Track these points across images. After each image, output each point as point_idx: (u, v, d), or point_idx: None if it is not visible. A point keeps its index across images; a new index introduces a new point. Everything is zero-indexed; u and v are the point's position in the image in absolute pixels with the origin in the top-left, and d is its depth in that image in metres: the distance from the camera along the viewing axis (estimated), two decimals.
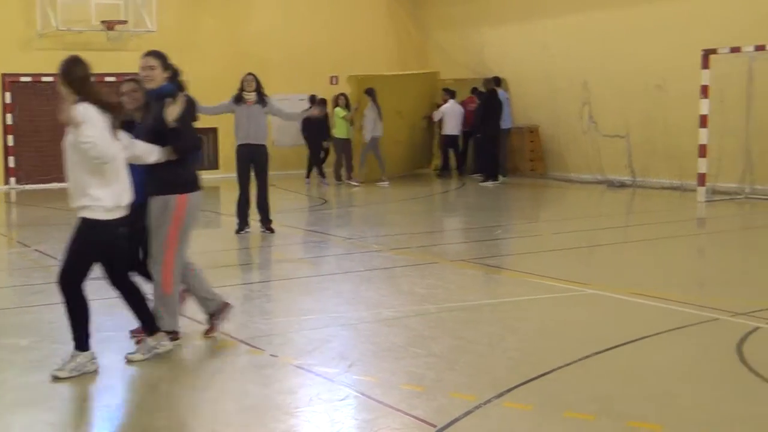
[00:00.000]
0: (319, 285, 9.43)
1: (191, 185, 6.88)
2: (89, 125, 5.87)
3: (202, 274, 7.22)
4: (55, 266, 6.24)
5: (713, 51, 15.67)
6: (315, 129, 20.39)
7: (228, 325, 7.41)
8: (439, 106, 21.56)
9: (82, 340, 6.15)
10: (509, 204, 17.44)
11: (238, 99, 12.45)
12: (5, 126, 19.74)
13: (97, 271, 6.25)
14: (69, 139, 5.98)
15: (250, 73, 12.62)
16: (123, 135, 6.32)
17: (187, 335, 7.07)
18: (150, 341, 6.54)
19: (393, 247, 11.46)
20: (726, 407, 5.46)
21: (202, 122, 13.59)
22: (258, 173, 12.54)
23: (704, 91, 15.75)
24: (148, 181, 6.73)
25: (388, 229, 13.52)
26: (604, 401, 5.51)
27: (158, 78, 6.84)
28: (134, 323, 6.76)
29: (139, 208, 6.57)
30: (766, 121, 16.08)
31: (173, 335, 6.85)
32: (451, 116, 21.16)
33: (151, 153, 6.59)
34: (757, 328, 7.20)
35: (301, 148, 21.17)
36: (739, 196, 16.18)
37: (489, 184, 19.46)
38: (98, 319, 6.56)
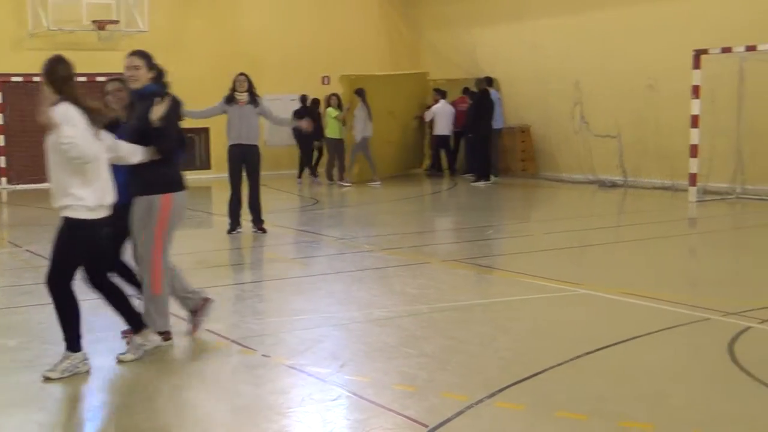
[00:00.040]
0: (311, 285, 9.42)
1: (176, 185, 6.86)
2: (69, 125, 5.86)
3: (181, 273, 7.21)
4: (45, 267, 6.21)
5: (704, 51, 15.70)
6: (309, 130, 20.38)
7: (220, 326, 7.41)
8: (429, 106, 21.57)
9: (73, 341, 6.13)
10: (501, 204, 17.45)
11: (230, 99, 12.43)
12: None
13: (78, 272, 6.23)
14: (51, 139, 5.97)
15: (242, 73, 12.60)
16: (107, 136, 6.31)
17: (178, 335, 7.05)
18: (138, 339, 6.54)
19: (385, 247, 11.46)
20: (717, 407, 5.47)
21: (194, 122, 13.63)
22: (250, 173, 12.53)
23: (695, 91, 15.78)
24: (132, 182, 6.72)
25: (379, 229, 13.52)
26: (596, 401, 5.51)
27: (143, 78, 6.80)
28: (124, 324, 6.75)
29: (121, 208, 6.55)
30: (757, 121, 16.13)
31: (165, 335, 6.84)
32: (442, 116, 21.17)
33: (134, 153, 6.56)
34: (749, 327, 7.21)
35: (293, 149, 21.19)
36: (730, 196, 16.21)
37: (481, 184, 19.48)
38: (88, 320, 6.54)
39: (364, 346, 6.95)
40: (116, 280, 6.75)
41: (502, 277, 9.94)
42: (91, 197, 6.02)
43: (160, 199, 6.72)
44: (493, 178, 19.88)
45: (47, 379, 6.03)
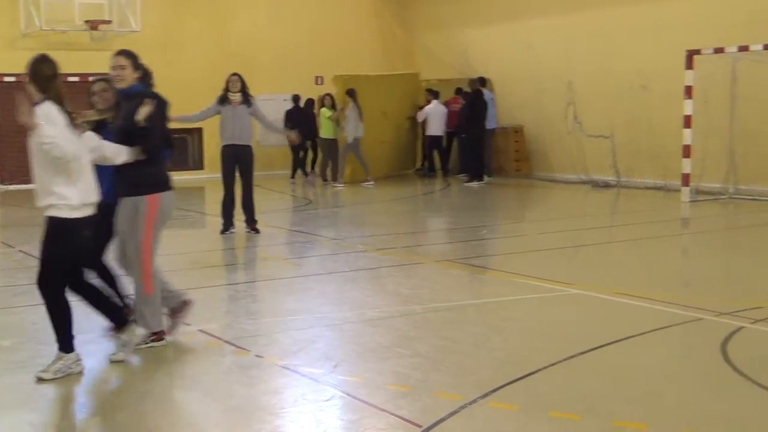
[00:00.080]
0: (304, 285, 9.41)
1: (162, 185, 6.84)
2: (50, 125, 5.84)
3: (161, 272, 7.19)
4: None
5: (697, 51, 15.73)
6: (300, 129, 20.37)
7: (213, 326, 7.41)
8: (422, 107, 21.57)
9: (66, 342, 6.12)
10: (494, 204, 17.47)
11: (223, 99, 12.41)
12: None
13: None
14: (34, 139, 5.96)
15: (235, 74, 12.58)
16: (92, 136, 6.29)
17: (172, 336, 7.04)
18: (124, 337, 6.55)
19: (378, 248, 11.46)
20: (710, 406, 5.48)
21: (187, 123, 13.61)
22: (243, 173, 12.52)
23: (688, 91, 15.81)
24: (117, 183, 6.70)
25: (373, 230, 13.52)
26: (589, 401, 5.52)
27: (128, 78, 6.77)
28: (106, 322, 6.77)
29: (106, 208, 6.53)
30: (750, 121, 16.16)
31: (158, 335, 6.83)
32: (435, 117, 21.18)
33: (119, 154, 6.54)
34: (741, 327, 7.22)
35: (286, 149, 21.15)
36: (722, 197, 16.25)
37: (474, 184, 19.49)
38: (81, 321, 6.53)
39: (357, 347, 6.94)
40: (95, 281, 6.74)
41: (496, 277, 9.94)
42: (75, 196, 6.00)
43: (146, 200, 6.69)
44: (486, 179, 19.89)
45: (40, 380, 6.02)
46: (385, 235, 12.82)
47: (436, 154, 21.96)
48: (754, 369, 6.09)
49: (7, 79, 19.62)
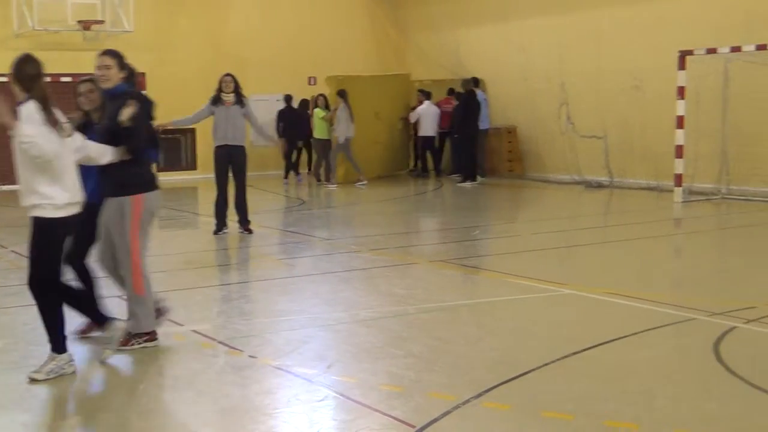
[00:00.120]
0: (298, 286, 9.41)
1: (147, 185, 6.82)
2: (29, 124, 5.82)
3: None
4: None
5: (689, 52, 15.76)
6: (292, 130, 20.40)
7: (206, 326, 7.40)
8: (414, 107, 21.57)
9: (58, 343, 6.10)
10: (487, 204, 17.48)
11: (216, 100, 12.39)
12: None
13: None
14: (15, 138, 5.94)
15: (228, 74, 12.56)
16: (77, 136, 6.28)
17: (165, 336, 7.03)
18: (106, 334, 6.54)
19: (371, 248, 11.46)
20: (703, 406, 5.49)
21: (182, 126, 13.58)
22: (236, 174, 12.51)
23: (681, 92, 15.83)
24: (102, 183, 6.69)
25: (366, 230, 13.51)
26: (581, 401, 5.53)
27: (114, 78, 6.72)
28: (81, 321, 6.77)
29: (90, 208, 6.52)
30: (742, 122, 16.20)
31: (150, 335, 6.82)
32: (427, 117, 21.18)
33: (104, 154, 6.51)
34: (734, 327, 7.24)
35: (279, 149, 21.15)
36: (715, 197, 16.28)
37: (467, 184, 19.50)
38: (70, 321, 6.52)
39: (350, 347, 6.94)
40: (73, 283, 6.72)
41: (489, 277, 9.95)
42: (58, 195, 5.97)
43: (131, 200, 6.67)
44: (479, 179, 19.91)
45: (33, 381, 6.00)
46: (378, 235, 12.82)
47: (428, 155, 21.96)
48: (746, 369, 6.10)
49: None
